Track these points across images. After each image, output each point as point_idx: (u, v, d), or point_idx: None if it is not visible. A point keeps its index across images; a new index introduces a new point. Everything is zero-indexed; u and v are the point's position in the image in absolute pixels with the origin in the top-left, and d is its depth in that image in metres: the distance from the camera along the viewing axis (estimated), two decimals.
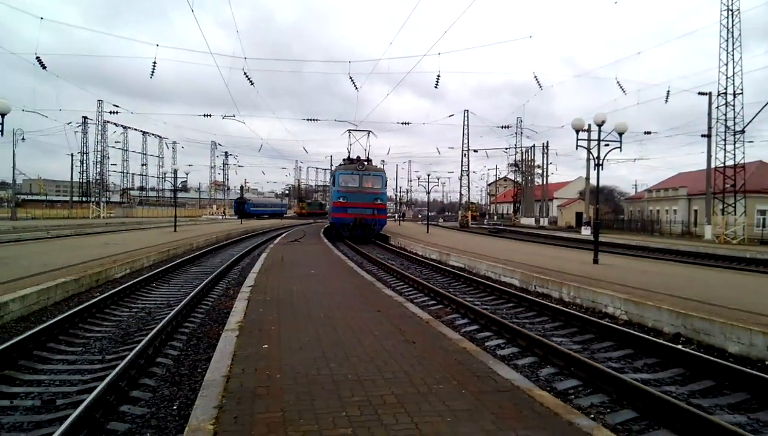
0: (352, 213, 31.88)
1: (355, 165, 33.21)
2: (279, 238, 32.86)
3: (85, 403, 5.22)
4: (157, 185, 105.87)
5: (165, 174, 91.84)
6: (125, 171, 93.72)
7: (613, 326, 9.42)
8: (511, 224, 74.94)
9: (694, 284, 12.91)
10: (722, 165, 37.94)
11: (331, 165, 77.56)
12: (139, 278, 14.06)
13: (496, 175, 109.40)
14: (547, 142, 77.49)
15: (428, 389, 5.14)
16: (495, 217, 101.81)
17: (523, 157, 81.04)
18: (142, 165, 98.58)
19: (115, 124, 79.42)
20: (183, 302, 10.80)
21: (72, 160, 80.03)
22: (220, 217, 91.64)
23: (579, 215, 68.63)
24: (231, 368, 5.67)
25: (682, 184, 58.70)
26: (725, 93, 36.95)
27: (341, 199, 32.14)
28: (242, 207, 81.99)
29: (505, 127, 68.76)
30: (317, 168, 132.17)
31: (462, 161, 73.14)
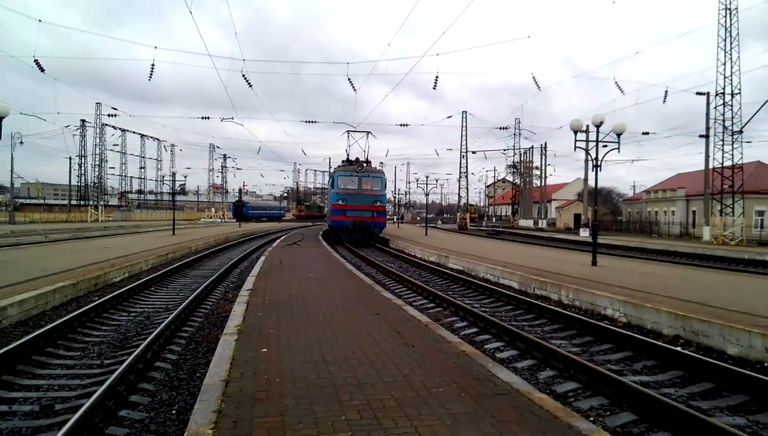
0: (351, 216, 31.47)
1: (354, 167, 32.80)
2: (277, 241, 32.84)
3: (84, 408, 5.21)
4: (156, 188, 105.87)
5: (163, 177, 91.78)
6: (123, 174, 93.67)
7: (612, 328, 9.42)
8: (510, 226, 75.01)
9: (692, 286, 12.92)
10: (720, 166, 38.01)
11: (330, 167, 77.73)
12: (138, 282, 14.05)
13: (494, 176, 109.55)
14: (546, 144, 77.49)
15: (428, 393, 5.13)
16: (493, 219, 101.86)
17: (522, 159, 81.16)
18: (141, 168, 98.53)
19: (113, 127, 79.36)
20: (182, 306, 10.78)
21: (70, 163, 79.98)
22: (219, 220, 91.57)
23: (577, 217, 68.76)
24: (230, 372, 5.66)
25: (680, 185, 58.79)
26: (723, 93, 37.06)
27: (340, 202, 31.70)
28: (240, 210, 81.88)
29: (503, 128, 68.79)
30: (316, 170, 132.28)
31: (460, 163, 73.26)
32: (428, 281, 16.91)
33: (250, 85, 34.81)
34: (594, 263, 17.69)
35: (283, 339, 7.26)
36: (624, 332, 9.03)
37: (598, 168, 17.18)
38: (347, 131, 38.31)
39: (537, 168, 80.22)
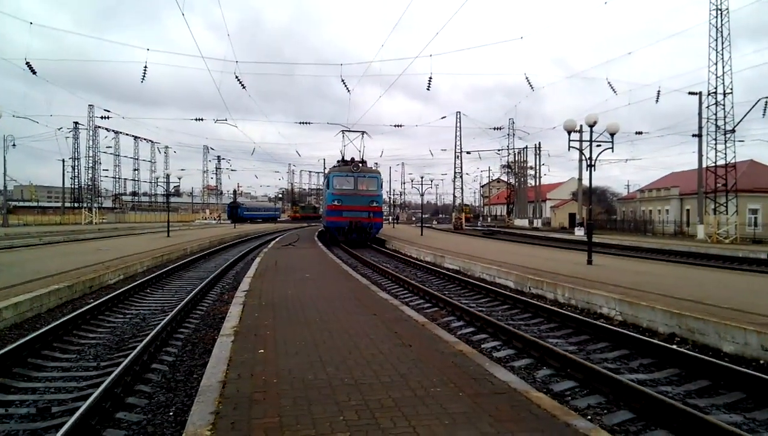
0: (347, 216, 30.93)
1: (350, 167, 32.25)
2: (273, 242, 32.78)
3: (81, 410, 5.19)
4: (150, 190, 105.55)
5: (157, 179, 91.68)
6: (117, 176, 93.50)
7: (609, 326, 9.45)
8: (505, 226, 75.18)
9: (687, 284, 12.98)
10: (713, 164, 38.17)
11: (324, 168, 77.45)
12: (133, 284, 14.00)
13: (489, 176, 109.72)
14: (540, 144, 77.73)
15: (425, 393, 5.13)
16: (489, 218, 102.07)
17: (516, 159, 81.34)
18: (134, 170, 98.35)
19: (106, 129, 79.26)
20: (177, 308, 10.75)
21: (63, 165, 79.77)
22: (214, 221, 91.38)
23: (572, 216, 68.87)
24: (227, 374, 5.64)
25: (674, 184, 59.03)
26: (715, 93, 37.19)
27: (336, 202, 31.15)
28: (235, 211, 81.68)
29: (497, 128, 68.85)
30: (310, 171, 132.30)
31: (455, 163, 73.27)
32: (424, 281, 16.92)
33: (244, 87, 34.68)
34: (589, 262, 17.75)
35: (279, 340, 7.25)
36: (620, 330, 9.06)
37: (592, 168, 17.24)
38: (342, 131, 37.73)
39: (531, 168, 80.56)
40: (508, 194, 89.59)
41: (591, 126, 16.58)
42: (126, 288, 13.26)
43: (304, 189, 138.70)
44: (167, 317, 9.79)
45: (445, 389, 5.23)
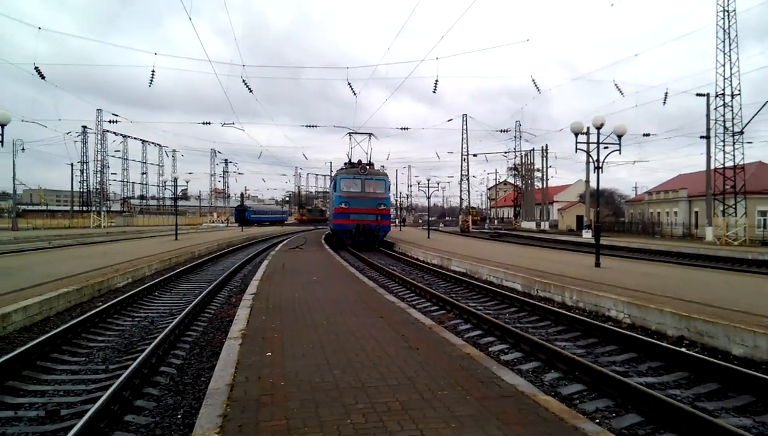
0: (354, 219, 30.58)
1: (357, 169, 31.84)
2: (280, 245, 32.85)
3: (89, 413, 5.22)
4: (158, 194, 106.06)
5: (165, 182, 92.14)
6: (125, 180, 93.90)
7: (617, 329, 9.40)
8: (512, 228, 75.02)
9: (696, 286, 12.90)
10: (722, 166, 37.98)
11: (331, 171, 77.67)
12: (141, 287, 14.06)
13: (496, 179, 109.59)
14: (546, 146, 77.62)
15: (432, 396, 5.13)
16: (495, 221, 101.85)
17: (523, 161, 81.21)
18: (143, 174, 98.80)
19: (114, 133, 79.66)
20: (185, 311, 10.79)
21: (72, 169, 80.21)
22: (222, 224, 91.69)
23: (580, 218, 68.61)
24: (235, 377, 5.66)
25: (682, 186, 58.74)
26: (723, 94, 37.05)
27: (343, 205, 30.80)
28: (243, 214, 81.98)
29: (504, 131, 68.85)
30: (317, 174, 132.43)
31: (461, 166, 73.30)
32: (431, 283, 16.90)
33: (251, 91, 34.82)
34: (597, 265, 17.68)
35: (287, 343, 7.27)
36: (628, 333, 9.02)
37: (600, 170, 17.18)
38: (349, 133, 37.38)
39: (538, 170, 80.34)
40: (514, 197, 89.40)
41: (598, 128, 16.53)
42: (134, 291, 13.32)
43: (311, 192, 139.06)
44: (175, 320, 9.83)
45: (452, 392, 5.23)
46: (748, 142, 63.20)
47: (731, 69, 36.55)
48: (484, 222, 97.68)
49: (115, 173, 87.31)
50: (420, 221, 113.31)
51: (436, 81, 37.66)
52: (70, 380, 7.19)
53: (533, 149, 78.31)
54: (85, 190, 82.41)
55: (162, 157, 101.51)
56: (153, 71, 34.14)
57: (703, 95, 39.43)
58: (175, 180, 41.54)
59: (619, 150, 17.07)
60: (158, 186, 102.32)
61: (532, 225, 75.96)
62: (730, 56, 36.46)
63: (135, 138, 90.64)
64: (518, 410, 4.75)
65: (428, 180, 47.06)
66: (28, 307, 10.19)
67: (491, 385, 5.48)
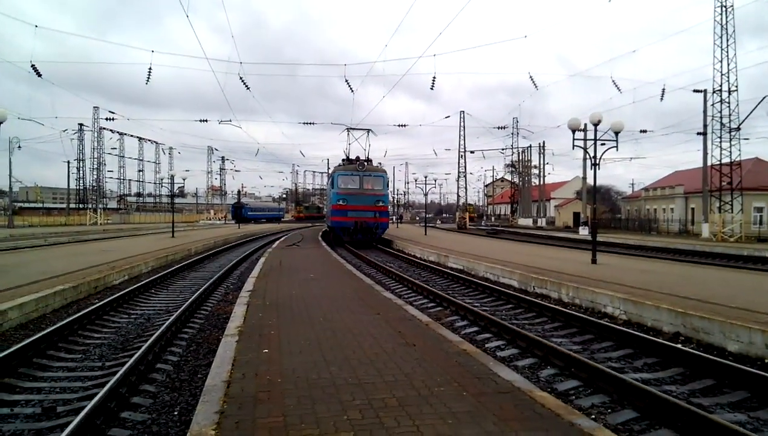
0: (352, 216, 30.15)
1: (355, 165, 31.28)
2: (277, 242, 32.83)
3: (86, 410, 5.21)
4: (154, 191, 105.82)
5: (162, 180, 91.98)
6: (122, 177, 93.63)
7: (613, 326, 9.43)
8: (509, 225, 75.06)
9: (692, 283, 12.94)
10: (719, 163, 38.05)
11: (328, 168, 77.44)
12: (138, 285, 14.04)
13: (493, 176, 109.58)
14: (544, 143, 77.69)
15: (429, 392, 5.14)
16: (492, 218, 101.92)
17: (520, 158, 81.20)
18: (139, 171, 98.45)
19: (111, 130, 79.27)
20: (182, 308, 10.78)
21: (68, 167, 79.97)
22: (219, 221, 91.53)
23: (576, 215, 68.81)
24: (231, 373, 5.66)
25: (678, 183, 58.88)
26: (720, 90, 37.07)
27: (341, 202, 30.33)
28: (240, 212, 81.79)
29: (501, 127, 68.95)
30: (314, 171, 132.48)
31: (459, 163, 73.25)
32: (428, 280, 16.92)
33: (248, 88, 34.75)
34: (594, 261, 17.71)
35: (283, 340, 7.27)
36: (624, 329, 9.05)
37: (597, 166, 17.21)
38: (347, 129, 36.81)
39: (535, 167, 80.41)
40: (512, 193, 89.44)
41: (595, 124, 16.55)
42: (131, 288, 13.29)
43: (308, 189, 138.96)
44: (172, 317, 9.82)
45: (449, 389, 5.24)
46: (745, 139, 63.51)
47: (728, 65, 36.59)
48: (481, 219, 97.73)
49: (111, 171, 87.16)
50: (417, 218, 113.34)
51: (434, 78, 37.61)
52: (66, 377, 7.18)
53: (530, 146, 78.38)
54: (81, 188, 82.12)
55: (159, 155, 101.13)
56: (150, 69, 34.01)
57: (701, 91, 39.52)
58: (172, 177, 41.56)
59: (616, 147, 17.10)
60: (155, 183, 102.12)
61: (528, 222, 76.04)
62: (727, 52, 36.49)
63: (132, 135, 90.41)
64: (514, 406, 4.76)
65: (425, 177, 46.97)
66: (24, 304, 10.16)
67: (488, 381, 5.49)
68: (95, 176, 78.39)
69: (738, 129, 37.04)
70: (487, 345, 8.85)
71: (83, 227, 59.98)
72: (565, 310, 10.89)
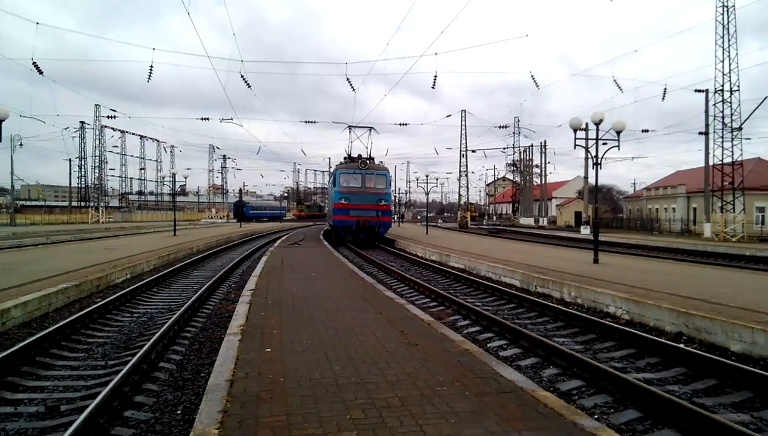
0: (354, 215, 29.76)
1: (358, 163, 30.88)
2: (279, 241, 32.83)
3: (89, 408, 5.22)
4: (156, 189, 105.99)
5: (163, 178, 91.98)
6: (124, 175, 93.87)
7: (615, 325, 9.43)
8: (510, 224, 75.05)
9: (694, 283, 12.93)
10: (720, 162, 37.99)
11: (330, 166, 77.38)
12: (140, 283, 14.05)
13: (494, 175, 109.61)
14: (545, 142, 77.59)
15: (432, 391, 5.15)
16: (494, 217, 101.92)
17: (522, 157, 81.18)
18: (141, 169, 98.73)
19: (112, 128, 79.43)
20: (185, 307, 10.80)
21: (70, 165, 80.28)
22: (220, 220, 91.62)
23: (578, 215, 68.74)
24: (234, 372, 5.67)
25: (680, 182, 58.80)
26: (722, 90, 37.00)
27: (343, 201, 29.90)
28: (241, 210, 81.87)
29: (502, 127, 68.77)
30: (315, 170, 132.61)
31: (460, 162, 73.14)
32: (430, 279, 16.92)
33: (249, 86, 34.67)
34: (595, 261, 17.70)
35: (286, 339, 7.28)
36: (627, 329, 9.04)
37: (599, 166, 17.19)
38: (349, 127, 36.32)
39: (537, 166, 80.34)
40: (513, 193, 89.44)
41: (597, 124, 16.52)
42: (133, 287, 13.31)
43: (309, 188, 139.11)
44: (174, 316, 9.83)
45: (451, 388, 5.24)
46: (747, 139, 63.09)
47: (730, 65, 36.52)
48: (482, 218, 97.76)
49: (113, 169, 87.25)
50: (419, 217, 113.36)
51: (435, 77, 37.43)
52: (69, 375, 7.19)
53: (532, 145, 78.31)
54: (83, 186, 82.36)
55: (160, 153, 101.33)
56: (151, 67, 33.92)
57: (702, 91, 39.44)
58: (174, 176, 41.51)
59: (618, 146, 17.08)
60: (156, 182, 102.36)
61: (530, 221, 76.02)
62: (729, 52, 36.43)
63: (133, 133, 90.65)
64: (517, 406, 4.77)
65: (427, 176, 46.68)
66: (27, 303, 10.19)
67: (490, 381, 5.49)
68: (97, 174, 78.59)
69: (740, 129, 36.99)
70: (489, 345, 8.85)
71: (85, 225, 60.07)
72: (567, 309, 10.88)
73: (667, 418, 5.46)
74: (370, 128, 36.04)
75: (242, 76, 33.55)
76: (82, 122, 75.53)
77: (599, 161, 17.05)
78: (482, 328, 10.02)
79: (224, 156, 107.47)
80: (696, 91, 39.82)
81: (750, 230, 39.94)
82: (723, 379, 6.73)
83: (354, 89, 35.62)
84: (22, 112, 50.16)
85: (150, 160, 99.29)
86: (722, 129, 37.46)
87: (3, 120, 13.57)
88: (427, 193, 48.09)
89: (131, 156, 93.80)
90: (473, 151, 73.63)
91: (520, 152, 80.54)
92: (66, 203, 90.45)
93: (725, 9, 36.42)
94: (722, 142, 37.59)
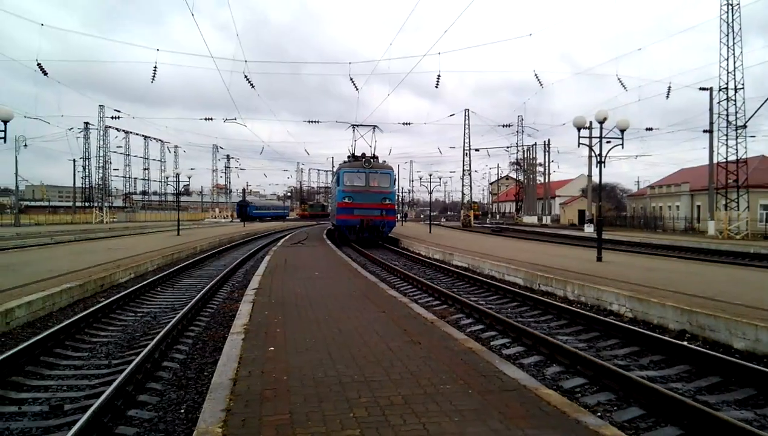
0: (358, 214, 29.32)
1: (361, 162, 30.18)
2: (282, 240, 32.85)
3: (93, 408, 5.24)
4: (160, 189, 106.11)
5: (167, 178, 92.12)
6: (127, 176, 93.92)
7: (618, 323, 9.41)
8: (514, 223, 74.96)
9: (698, 280, 12.89)
10: (724, 160, 37.87)
11: (333, 166, 77.31)
12: (144, 283, 14.09)
13: (498, 173, 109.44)
14: (549, 140, 77.50)
15: (435, 390, 5.15)
16: (497, 216, 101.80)
17: (525, 156, 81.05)
18: (144, 169, 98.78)
19: (116, 129, 79.58)
20: (188, 306, 10.82)
21: (74, 165, 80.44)
22: (224, 219, 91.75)
23: (582, 213, 68.63)
24: (238, 371, 5.68)
25: (684, 180, 58.59)
26: (726, 88, 36.90)
27: (346, 200, 29.46)
28: (245, 210, 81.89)
29: (506, 125, 68.67)
30: (319, 170, 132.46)
31: (463, 161, 73.03)
32: (433, 278, 16.91)
33: (252, 86, 34.73)
34: (599, 259, 17.67)
35: (289, 338, 7.29)
36: (630, 327, 9.03)
37: (602, 164, 17.15)
38: (352, 125, 36.03)
39: (540, 165, 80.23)
40: (516, 191, 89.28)
41: (601, 122, 16.49)
42: (137, 287, 13.34)
43: (313, 187, 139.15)
44: (178, 315, 9.85)
45: (454, 386, 5.24)
46: (751, 136, 63.04)
47: (734, 63, 36.42)
48: (485, 217, 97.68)
49: (117, 169, 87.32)
50: (422, 216, 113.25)
51: (438, 76, 37.62)
52: (73, 375, 7.22)
53: (535, 144, 78.23)
54: (87, 186, 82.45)
55: (164, 153, 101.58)
56: (155, 67, 33.96)
57: (707, 89, 39.35)
58: (177, 176, 41.55)
59: (622, 144, 17.03)
60: (160, 182, 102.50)
61: (533, 220, 75.91)
62: (733, 50, 36.33)
63: (137, 134, 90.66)
64: (520, 404, 4.77)
65: (430, 175, 46.65)
66: (32, 302, 10.22)
67: (493, 379, 5.49)
68: (101, 175, 78.75)
69: (744, 127, 36.89)
70: (492, 343, 8.84)
71: (89, 225, 60.25)
72: (570, 307, 10.87)
73: (671, 415, 5.45)
74: (374, 127, 35.55)
75: (246, 77, 33.63)
76: (87, 123, 75.66)
77: (603, 160, 17.01)
78: (485, 326, 10.02)
79: (228, 156, 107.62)
80: (700, 89, 39.79)
81: (754, 228, 39.82)
82: (726, 376, 6.71)
83: (357, 89, 35.69)
84: (26, 113, 50.26)
85: (154, 160, 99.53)
86: (726, 127, 37.38)
87: (8, 121, 13.63)
88: (431, 192, 48.07)
89: (135, 156, 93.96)
90: (476, 150, 73.54)
91: (524, 151, 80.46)
92: (70, 203, 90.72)
93: (730, 7, 36.32)
94: (726, 139, 37.51)
